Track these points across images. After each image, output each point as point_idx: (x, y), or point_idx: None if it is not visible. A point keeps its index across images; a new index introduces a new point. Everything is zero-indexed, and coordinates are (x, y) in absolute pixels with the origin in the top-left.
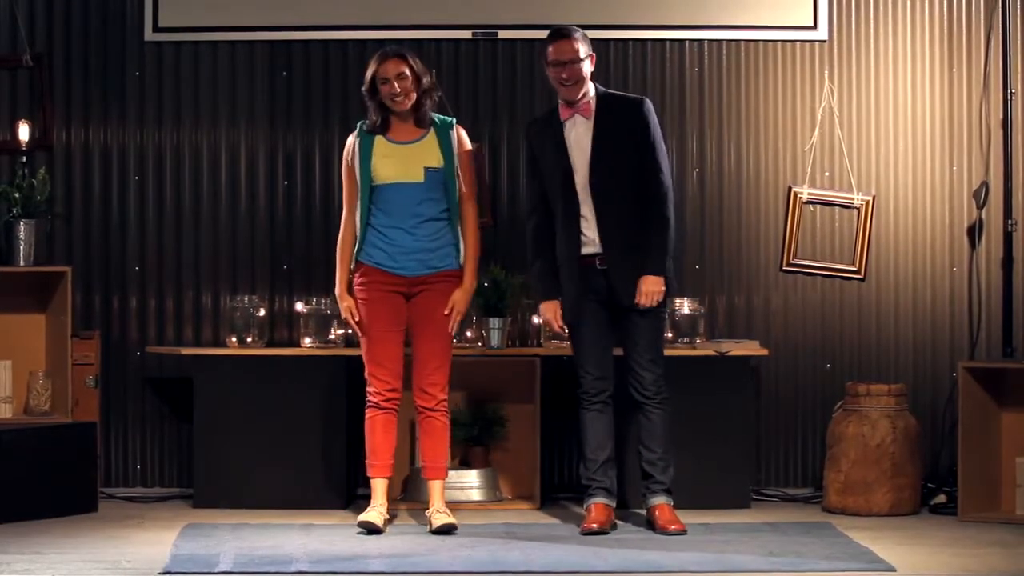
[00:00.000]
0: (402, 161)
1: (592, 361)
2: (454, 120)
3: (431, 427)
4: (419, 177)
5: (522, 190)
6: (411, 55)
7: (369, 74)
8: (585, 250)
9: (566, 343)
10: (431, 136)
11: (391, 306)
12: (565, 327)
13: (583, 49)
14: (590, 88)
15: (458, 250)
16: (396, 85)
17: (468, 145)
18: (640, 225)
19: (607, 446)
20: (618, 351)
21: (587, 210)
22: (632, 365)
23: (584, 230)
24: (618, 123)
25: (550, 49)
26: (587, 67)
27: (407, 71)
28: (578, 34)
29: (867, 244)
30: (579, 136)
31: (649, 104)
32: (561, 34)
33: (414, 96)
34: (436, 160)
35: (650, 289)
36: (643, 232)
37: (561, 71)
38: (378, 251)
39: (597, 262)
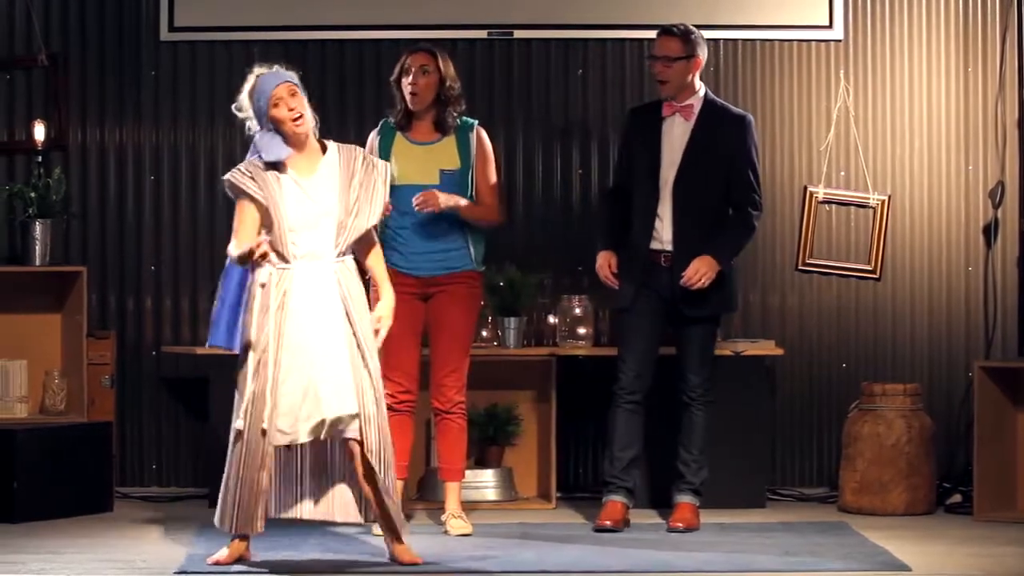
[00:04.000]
0: (418, 162)
1: (633, 356)
2: (476, 122)
3: (447, 429)
4: (434, 179)
5: (537, 191)
6: (444, 56)
7: (398, 64)
8: (654, 245)
9: (582, 343)
10: (450, 137)
11: (408, 311)
12: (616, 279)
13: (684, 50)
14: (699, 91)
15: (472, 251)
16: (415, 78)
17: (489, 147)
18: (715, 233)
19: (635, 446)
20: (669, 350)
21: (664, 208)
22: (681, 367)
23: (657, 226)
24: (716, 134)
25: (655, 44)
26: (685, 68)
27: (431, 68)
28: (686, 35)
29: (883, 244)
30: (675, 136)
31: (751, 120)
32: (665, 30)
33: (430, 98)
34: (452, 162)
35: (700, 267)
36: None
37: (655, 65)
38: (393, 252)
39: (662, 259)
